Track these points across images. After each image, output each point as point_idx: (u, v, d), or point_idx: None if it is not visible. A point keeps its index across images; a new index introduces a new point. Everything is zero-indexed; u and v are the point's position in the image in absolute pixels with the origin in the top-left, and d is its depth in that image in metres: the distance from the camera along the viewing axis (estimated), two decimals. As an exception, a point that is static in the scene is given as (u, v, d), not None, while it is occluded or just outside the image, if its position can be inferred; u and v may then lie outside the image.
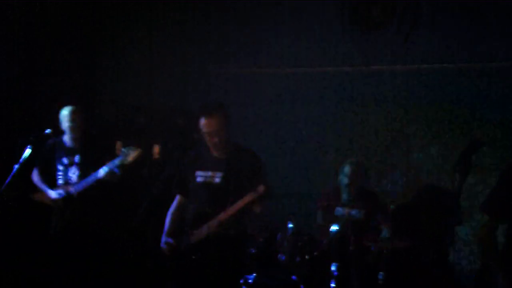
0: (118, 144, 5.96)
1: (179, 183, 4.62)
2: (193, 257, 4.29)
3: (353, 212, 5.56)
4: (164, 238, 4.48)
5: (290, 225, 5.50)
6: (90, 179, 5.25)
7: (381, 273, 5.07)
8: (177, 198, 4.65)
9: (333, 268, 5.14)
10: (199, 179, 4.45)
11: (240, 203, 4.20)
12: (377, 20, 6.52)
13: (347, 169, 5.69)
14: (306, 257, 5.35)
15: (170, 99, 7.16)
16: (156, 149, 6.66)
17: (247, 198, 4.19)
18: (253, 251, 5.57)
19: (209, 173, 4.41)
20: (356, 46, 6.59)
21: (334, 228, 5.42)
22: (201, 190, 4.43)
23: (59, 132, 5.47)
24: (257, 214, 4.34)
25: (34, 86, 6.44)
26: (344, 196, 5.66)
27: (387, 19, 6.46)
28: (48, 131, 5.09)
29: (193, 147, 4.95)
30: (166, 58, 7.25)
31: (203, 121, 4.34)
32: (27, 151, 4.85)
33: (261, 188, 4.14)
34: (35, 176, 5.59)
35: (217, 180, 4.38)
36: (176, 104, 7.10)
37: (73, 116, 5.40)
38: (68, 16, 6.64)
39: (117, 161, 5.20)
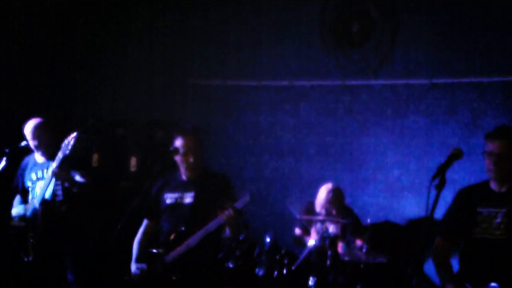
0: (95, 156, 5.88)
1: (147, 208, 4.63)
2: (174, 278, 4.25)
3: (331, 227, 5.57)
4: (135, 265, 4.47)
5: (268, 239, 5.48)
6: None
7: (358, 286, 5.08)
8: (145, 223, 4.68)
9: (310, 282, 5.15)
10: (168, 201, 4.49)
11: (206, 228, 4.25)
12: (357, 37, 6.56)
13: (323, 195, 5.71)
14: (284, 271, 5.33)
15: (149, 112, 7.15)
16: (133, 161, 6.61)
17: (213, 224, 4.24)
18: (231, 265, 5.54)
19: (179, 194, 4.46)
20: (336, 61, 6.62)
21: (311, 242, 5.43)
22: (172, 211, 4.46)
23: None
24: (229, 236, 4.41)
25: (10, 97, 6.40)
26: (322, 214, 5.66)
27: (366, 36, 6.51)
28: (24, 143, 5.01)
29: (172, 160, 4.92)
30: (146, 70, 7.24)
31: (180, 141, 4.43)
32: (2, 164, 4.79)
33: (226, 214, 4.19)
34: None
35: (188, 200, 4.42)
36: (155, 117, 7.08)
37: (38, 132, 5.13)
38: (44, 30, 6.61)
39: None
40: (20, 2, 6.32)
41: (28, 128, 5.10)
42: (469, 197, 3.94)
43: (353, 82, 6.51)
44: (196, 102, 7.14)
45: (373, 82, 6.41)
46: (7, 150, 4.87)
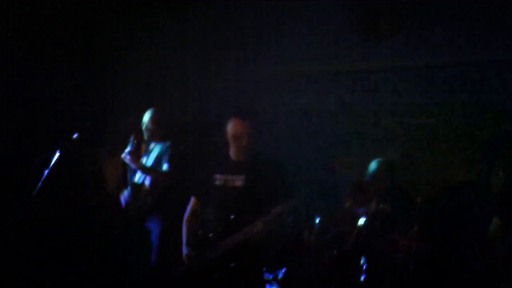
0: None
1: (195, 186, 4.59)
2: (214, 276, 4.25)
3: (381, 206, 5.58)
4: (186, 250, 4.42)
5: (317, 221, 5.50)
6: None
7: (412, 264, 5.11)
8: (192, 201, 4.60)
9: (362, 262, 5.19)
10: (217, 182, 4.40)
11: (243, 234, 4.20)
12: (385, 30, 6.59)
13: (373, 167, 5.70)
14: (334, 252, 5.37)
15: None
16: None
17: (249, 231, 4.19)
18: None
19: (229, 177, 4.36)
20: (365, 55, 6.64)
21: (361, 221, 5.45)
22: (221, 193, 4.38)
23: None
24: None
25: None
26: (371, 192, 5.69)
27: (395, 29, 6.53)
28: (76, 135, 4.98)
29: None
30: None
31: (232, 123, 4.36)
32: (57, 156, 4.77)
33: (259, 226, 4.15)
34: None
35: (239, 182, 4.34)
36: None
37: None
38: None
39: None
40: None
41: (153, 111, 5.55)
42: None
43: (384, 66, 6.53)
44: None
45: (401, 64, 6.43)
46: (61, 144, 4.82)
